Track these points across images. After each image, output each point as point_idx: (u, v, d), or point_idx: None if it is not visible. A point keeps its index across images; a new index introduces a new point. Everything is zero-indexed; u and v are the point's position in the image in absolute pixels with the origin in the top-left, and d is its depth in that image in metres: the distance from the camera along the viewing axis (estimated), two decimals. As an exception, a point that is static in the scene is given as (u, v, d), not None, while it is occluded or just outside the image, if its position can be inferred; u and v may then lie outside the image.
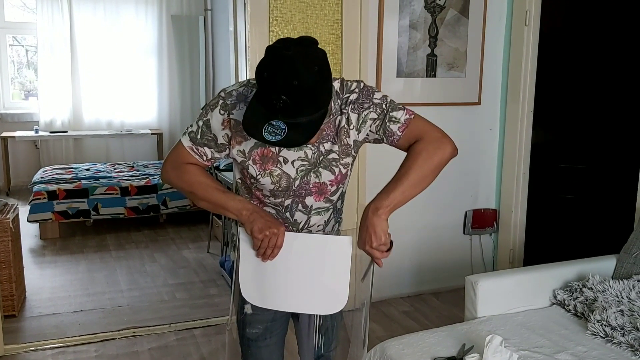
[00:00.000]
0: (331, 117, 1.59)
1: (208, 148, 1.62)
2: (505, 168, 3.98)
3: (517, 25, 3.81)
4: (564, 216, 3.90)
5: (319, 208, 1.67)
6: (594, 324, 2.33)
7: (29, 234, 5.19)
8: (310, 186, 1.61)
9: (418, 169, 1.54)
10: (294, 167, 1.59)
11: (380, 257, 1.52)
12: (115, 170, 6.13)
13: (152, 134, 7.45)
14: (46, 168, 6.19)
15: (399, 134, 1.58)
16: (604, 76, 3.71)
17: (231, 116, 1.57)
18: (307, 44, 1.41)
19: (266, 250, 1.58)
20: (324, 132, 1.59)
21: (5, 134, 6.88)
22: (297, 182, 1.60)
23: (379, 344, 2.30)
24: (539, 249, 3.96)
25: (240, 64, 3.52)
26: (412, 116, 1.60)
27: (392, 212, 1.52)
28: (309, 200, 1.64)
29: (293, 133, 1.39)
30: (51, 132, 7.00)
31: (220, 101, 1.58)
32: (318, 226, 1.70)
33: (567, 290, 2.63)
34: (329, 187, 1.64)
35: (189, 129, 1.63)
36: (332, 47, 3.38)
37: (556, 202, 3.92)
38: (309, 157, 1.59)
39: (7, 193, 6.89)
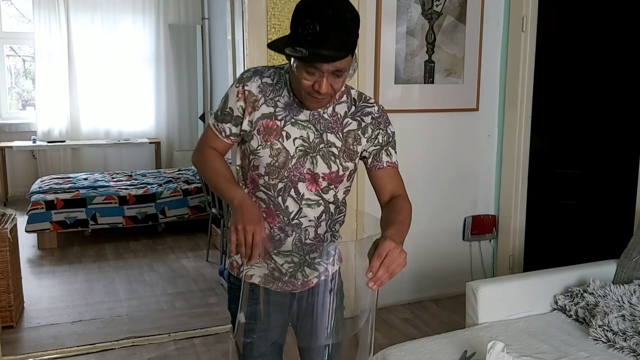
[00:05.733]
0: (337, 106, 1.63)
1: (226, 123, 1.65)
2: (504, 174, 3.99)
3: (514, 31, 3.82)
4: (563, 222, 3.89)
5: (309, 199, 1.65)
6: (596, 329, 2.32)
7: (27, 244, 5.17)
8: (305, 171, 1.62)
9: (408, 219, 1.63)
10: (294, 144, 1.60)
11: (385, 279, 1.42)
12: (114, 180, 6.12)
13: (149, 142, 7.44)
14: (44, 178, 6.18)
15: (384, 165, 1.68)
16: (601, 81, 3.71)
17: (245, 87, 1.61)
18: None
19: (245, 249, 1.50)
20: (330, 124, 1.62)
21: (2, 144, 6.87)
22: (293, 161, 1.61)
23: (380, 352, 2.29)
24: (539, 254, 3.95)
25: (238, 73, 3.53)
26: (397, 165, 1.72)
27: None
28: (301, 187, 1.63)
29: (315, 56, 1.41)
30: (49, 142, 6.99)
31: (239, 77, 1.65)
32: (310, 221, 1.67)
33: (568, 295, 2.62)
34: (321, 180, 1.63)
35: (216, 110, 1.71)
36: (330, 54, 3.38)
37: (555, 207, 3.92)
38: (310, 140, 1.61)
39: (4, 203, 6.87)
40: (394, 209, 1.61)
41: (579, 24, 3.79)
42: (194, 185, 5.78)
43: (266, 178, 1.63)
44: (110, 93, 7.29)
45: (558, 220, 3.91)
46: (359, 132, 1.64)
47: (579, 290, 2.61)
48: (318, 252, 1.71)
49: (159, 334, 3.45)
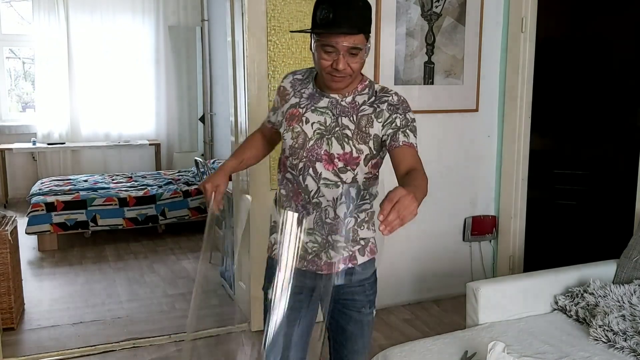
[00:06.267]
0: (357, 96, 1.78)
1: (270, 111, 2.01)
2: (504, 174, 3.99)
3: (513, 31, 3.82)
4: (563, 222, 3.90)
5: (327, 179, 1.76)
6: (596, 329, 2.32)
7: (27, 246, 5.16)
8: (322, 152, 1.76)
9: (424, 186, 1.63)
10: (312, 128, 1.78)
11: (397, 224, 1.37)
12: (114, 181, 6.12)
13: (149, 144, 7.44)
14: (44, 180, 6.18)
15: (400, 144, 1.73)
16: (600, 81, 3.72)
17: (281, 84, 1.92)
18: None
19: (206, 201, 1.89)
20: (346, 109, 1.77)
21: (2, 146, 6.86)
22: (311, 143, 1.77)
23: (381, 352, 2.30)
24: (539, 255, 3.96)
25: (238, 74, 3.52)
26: (417, 148, 1.75)
27: None
28: (319, 167, 1.76)
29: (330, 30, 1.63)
30: (49, 144, 6.99)
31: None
32: (328, 201, 1.77)
33: (568, 295, 2.63)
34: (336, 160, 1.75)
35: None
36: (330, 55, 3.38)
37: (555, 208, 3.93)
38: (327, 124, 1.77)
39: (4, 205, 6.87)
40: (410, 176, 1.63)
41: (579, 24, 3.80)
42: (194, 187, 5.78)
43: (290, 159, 1.82)
44: (110, 95, 7.28)
45: (558, 220, 3.92)
46: (372, 116, 1.75)
47: (579, 291, 2.61)
48: (340, 234, 1.79)
49: (159, 336, 3.45)
